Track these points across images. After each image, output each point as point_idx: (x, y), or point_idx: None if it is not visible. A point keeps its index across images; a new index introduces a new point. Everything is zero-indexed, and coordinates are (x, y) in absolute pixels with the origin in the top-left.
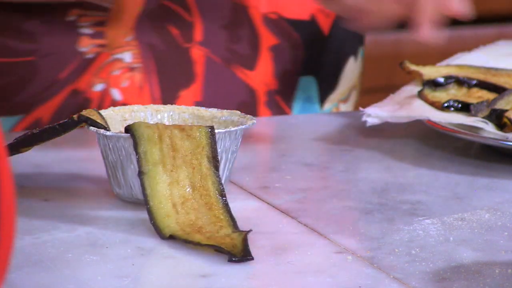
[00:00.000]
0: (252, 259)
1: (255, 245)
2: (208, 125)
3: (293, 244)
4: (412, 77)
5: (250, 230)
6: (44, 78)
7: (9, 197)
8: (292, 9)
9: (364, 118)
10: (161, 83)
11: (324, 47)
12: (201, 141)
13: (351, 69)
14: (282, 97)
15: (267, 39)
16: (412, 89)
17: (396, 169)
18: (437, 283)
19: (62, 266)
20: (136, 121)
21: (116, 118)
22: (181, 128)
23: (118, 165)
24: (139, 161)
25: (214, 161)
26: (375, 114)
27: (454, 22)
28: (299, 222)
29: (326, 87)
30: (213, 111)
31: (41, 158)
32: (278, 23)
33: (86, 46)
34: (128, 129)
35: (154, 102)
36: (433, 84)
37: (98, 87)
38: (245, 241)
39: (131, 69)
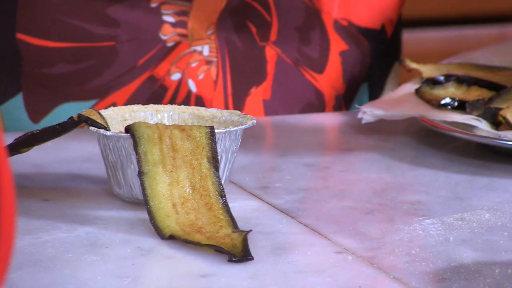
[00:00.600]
0: (252, 259)
1: (255, 245)
2: (208, 125)
3: (293, 244)
4: (412, 75)
5: (250, 230)
6: (123, 63)
7: (9, 197)
8: (363, 17)
9: (359, 116)
10: (233, 79)
11: (381, 55)
12: (201, 142)
13: (394, 75)
14: (345, 101)
15: (337, 44)
16: (411, 87)
17: (396, 169)
18: (437, 283)
19: (62, 266)
20: (136, 121)
21: (116, 118)
22: (181, 129)
23: (118, 165)
24: (139, 161)
25: (214, 161)
26: (370, 111)
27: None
28: (299, 222)
29: (375, 92)
30: (213, 111)
31: (41, 158)
32: (348, 30)
33: (168, 34)
34: (128, 129)
35: (226, 97)
36: (432, 82)
37: (175, 76)
38: (245, 241)
39: (207, 62)
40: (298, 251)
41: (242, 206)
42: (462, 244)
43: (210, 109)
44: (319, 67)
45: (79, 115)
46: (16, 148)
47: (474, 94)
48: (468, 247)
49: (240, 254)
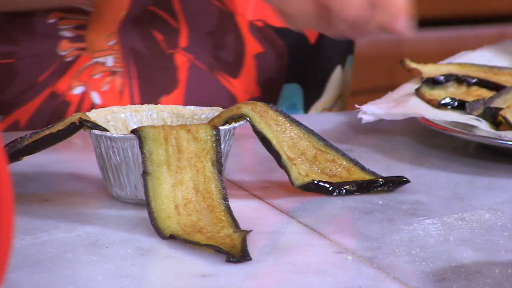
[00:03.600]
0: (251, 259)
1: (255, 245)
2: (188, 123)
3: (293, 244)
4: (412, 75)
5: (251, 231)
6: (24, 80)
7: (7, 197)
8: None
9: (359, 115)
10: (141, 88)
11: (311, 55)
12: (207, 145)
13: (338, 78)
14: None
15: (252, 46)
16: (411, 87)
17: (396, 169)
18: (437, 283)
19: (62, 266)
20: (118, 122)
21: (99, 120)
22: (187, 129)
23: (123, 167)
24: (143, 161)
25: (218, 165)
26: (370, 111)
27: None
28: (299, 222)
29: (312, 95)
30: (192, 108)
31: (41, 158)
32: (263, 31)
33: (66, 49)
34: (134, 131)
35: None
36: (432, 82)
37: (77, 90)
38: (244, 242)
39: (112, 73)
40: (298, 251)
41: (242, 206)
42: (462, 244)
43: (188, 107)
44: (234, 72)
45: (80, 119)
46: (16, 156)
47: (474, 94)
48: (468, 247)
49: (239, 255)
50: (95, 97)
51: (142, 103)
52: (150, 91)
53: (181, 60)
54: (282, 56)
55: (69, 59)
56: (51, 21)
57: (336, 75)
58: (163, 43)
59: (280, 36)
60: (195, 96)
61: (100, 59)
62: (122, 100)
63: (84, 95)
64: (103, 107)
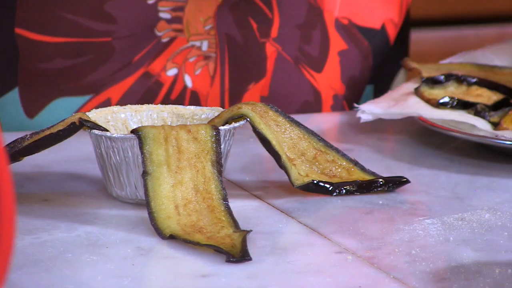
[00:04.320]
0: (251, 259)
1: (255, 245)
2: (189, 123)
3: (293, 244)
4: (413, 74)
5: (251, 230)
6: (119, 59)
7: (8, 197)
8: (364, 16)
9: (358, 115)
10: (232, 75)
11: (388, 57)
12: (206, 145)
13: (402, 79)
14: (348, 103)
15: (337, 43)
16: (411, 86)
17: (396, 169)
18: (437, 283)
19: (62, 266)
20: (118, 122)
21: (99, 120)
22: (188, 129)
23: (123, 167)
24: (143, 161)
25: (218, 165)
26: (369, 110)
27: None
28: (299, 222)
29: (379, 96)
30: (192, 108)
31: (41, 158)
32: (348, 29)
33: (163, 30)
34: (134, 131)
35: (223, 93)
36: (432, 81)
37: (171, 71)
38: (244, 242)
39: (206, 57)
40: (298, 251)
41: (242, 206)
42: (462, 244)
43: (188, 107)
44: (318, 66)
45: (80, 119)
46: (16, 156)
47: (474, 93)
48: (468, 247)
49: (239, 255)
50: (188, 80)
51: (230, 90)
52: (240, 78)
53: (270, 50)
54: (367, 57)
55: (165, 40)
56: (151, 2)
57: (401, 76)
58: (257, 31)
59: (364, 35)
60: (279, 87)
61: (197, 43)
62: (213, 86)
63: (177, 77)
64: (194, 91)
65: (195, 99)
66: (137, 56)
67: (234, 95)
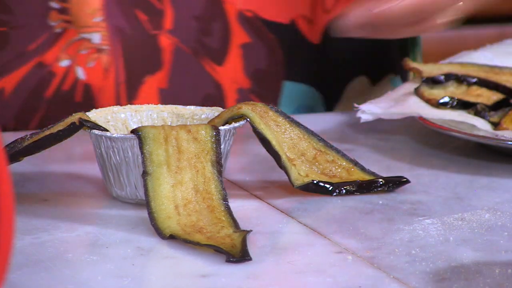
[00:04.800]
0: (250, 259)
1: (255, 245)
2: (188, 123)
3: (293, 244)
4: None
5: (251, 231)
6: (14, 49)
7: (8, 197)
8: (269, 10)
9: (358, 115)
10: (126, 67)
11: (315, 56)
12: (206, 146)
13: (360, 90)
14: (261, 98)
15: (239, 36)
16: (411, 86)
17: (396, 169)
18: (437, 283)
19: (62, 266)
20: (118, 122)
21: (99, 120)
22: (188, 129)
23: (123, 167)
24: (143, 161)
25: (218, 166)
26: (369, 110)
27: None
28: (299, 222)
29: (330, 101)
30: (192, 108)
31: (41, 158)
32: (252, 22)
33: (55, 20)
34: (134, 131)
35: (118, 85)
36: (432, 81)
37: (64, 63)
38: (244, 242)
39: (98, 50)
40: (298, 251)
41: (242, 206)
42: (462, 244)
43: (188, 107)
44: (219, 59)
45: (80, 119)
46: (16, 156)
47: (474, 93)
48: (468, 247)
49: (239, 255)
50: (80, 73)
51: (126, 82)
52: (135, 71)
53: (166, 42)
54: (275, 51)
55: (57, 30)
56: None
57: (358, 87)
58: (147, 23)
59: (269, 29)
60: (179, 79)
61: (87, 35)
62: (107, 78)
63: (69, 69)
64: (87, 83)
65: (88, 92)
66: (31, 46)
67: (130, 88)
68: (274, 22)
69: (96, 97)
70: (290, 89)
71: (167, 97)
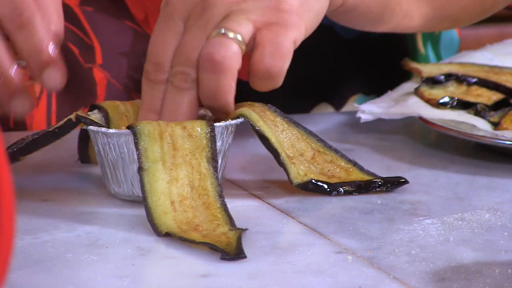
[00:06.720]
0: (245, 257)
1: (255, 245)
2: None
3: (293, 244)
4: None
5: (246, 229)
6: None
7: (8, 197)
8: None
9: (358, 115)
10: (59, 98)
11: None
12: (201, 142)
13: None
14: None
15: None
16: (411, 86)
17: (396, 169)
18: (437, 283)
19: (62, 266)
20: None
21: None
22: (183, 126)
23: (119, 163)
24: (139, 157)
25: (213, 162)
26: (369, 110)
27: None
28: (299, 222)
29: None
30: None
31: (41, 158)
32: None
33: None
34: (129, 126)
35: (49, 115)
36: (432, 81)
37: None
38: (239, 240)
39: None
40: (298, 251)
41: (242, 206)
42: (462, 244)
43: None
44: None
45: (77, 115)
46: (15, 156)
47: (474, 93)
48: (468, 247)
49: (234, 252)
50: None
51: (58, 113)
52: (68, 102)
53: (99, 76)
54: None
55: None
56: None
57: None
58: (80, 56)
59: None
60: None
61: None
62: (39, 107)
63: None
64: None
65: (20, 119)
66: None
67: (62, 118)
68: None
69: (28, 127)
70: None
71: None
